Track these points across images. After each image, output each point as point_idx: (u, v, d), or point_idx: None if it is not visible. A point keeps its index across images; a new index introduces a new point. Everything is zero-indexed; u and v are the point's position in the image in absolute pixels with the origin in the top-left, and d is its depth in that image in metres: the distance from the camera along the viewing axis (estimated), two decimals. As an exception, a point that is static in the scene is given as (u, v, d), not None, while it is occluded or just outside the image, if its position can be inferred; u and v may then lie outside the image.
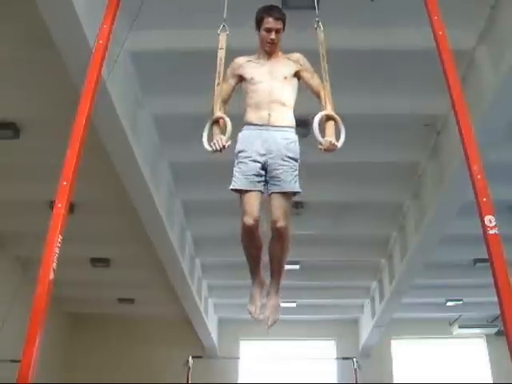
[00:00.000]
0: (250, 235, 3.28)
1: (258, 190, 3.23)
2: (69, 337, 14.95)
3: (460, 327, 14.56)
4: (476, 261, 10.97)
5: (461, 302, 13.72)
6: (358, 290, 13.79)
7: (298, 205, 9.41)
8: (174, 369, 12.86)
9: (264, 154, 3.23)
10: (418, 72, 6.31)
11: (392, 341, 15.25)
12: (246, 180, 3.21)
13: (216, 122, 3.33)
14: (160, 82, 6.61)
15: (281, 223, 3.20)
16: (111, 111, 5.82)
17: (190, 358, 11.15)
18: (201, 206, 9.74)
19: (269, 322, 3.49)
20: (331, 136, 3.22)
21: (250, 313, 3.53)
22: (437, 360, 14.87)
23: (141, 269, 11.67)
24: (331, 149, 3.19)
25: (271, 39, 3.33)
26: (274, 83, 3.32)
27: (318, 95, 3.39)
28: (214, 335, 14.83)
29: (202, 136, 3.31)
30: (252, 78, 3.36)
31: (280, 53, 3.46)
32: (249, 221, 3.19)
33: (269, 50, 3.39)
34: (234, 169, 3.27)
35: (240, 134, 3.34)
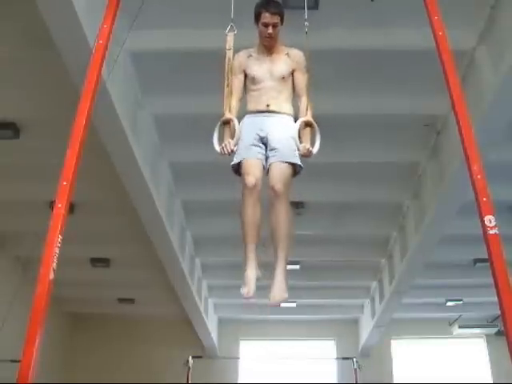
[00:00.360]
0: (250, 197, 3.23)
1: (259, 159, 3.28)
2: (69, 337, 14.95)
3: (460, 327, 14.57)
4: (476, 261, 10.97)
5: (461, 302, 13.72)
6: (358, 289, 13.79)
7: (298, 205, 9.42)
8: (173, 369, 12.88)
9: (264, 133, 3.32)
10: (417, 72, 6.31)
11: (392, 341, 15.26)
12: (246, 150, 3.30)
13: (226, 123, 3.38)
14: (160, 82, 6.61)
15: (279, 186, 3.21)
16: (111, 111, 5.82)
17: (190, 358, 11.16)
18: (201, 206, 9.74)
19: (276, 299, 3.42)
20: (307, 142, 3.32)
21: (242, 295, 3.41)
22: (437, 360, 14.87)
23: (141, 269, 11.67)
24: (307, 155, 3.29)
25: (268, 34, 3.38)
26: (273, 83, 3.40)
27: (299, 97, 3.47)
28: (214, 335, 14.84)
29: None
30: (254, 78, 3.44)
31: (281, 47, 3.50)
32: (250, 179, 3.20)
33: (267, 45, 3.45)
34: (236, 151, 3.33)
35: (241, 123, 3.41)
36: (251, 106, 3.44)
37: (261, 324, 15.30)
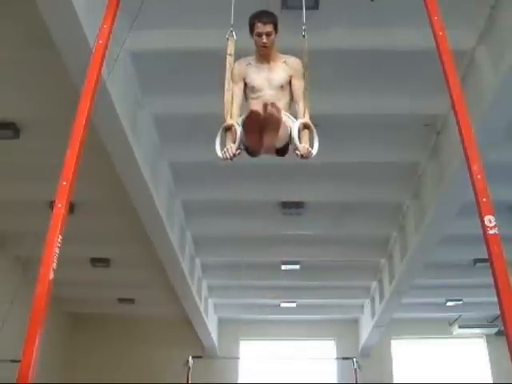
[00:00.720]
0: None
1: None
2: (69, 337, 14.95)
3: (460, 327, 14.57)
4: (476, 261, 10.97)
5: (461, 302, 13.72)
6: (358, 289, 13.79)
7: (298, 205, 9.43)
8: (173, 369, 12.89)
9: None
10: (417, 72, 6.31)
11: (392, 341, 15.26)
12: None
13: (228, 129, 3.40)
14: (160, 82, 6.61)
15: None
16: (111, 111, 5.82)
17: (190, 358, 11.17)
18: (201, 206, 9.74)
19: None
20: (306, 143, 3.34)
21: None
22: (437, 360, 14.87)
23: (141, 269, 11.67)
24: (307, 155, 3.30)
25: (263, 43, 3.43)
26: (272, 92, 3.46)
27: (296, 103, 3.50)
28: (214, 335, 14.84)
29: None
30: (253, 87, 3.49)
31: (278, 55, 3.54)
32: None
33: (263, 54, 3.50)
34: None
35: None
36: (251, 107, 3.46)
37: (261, 324, 15.30)
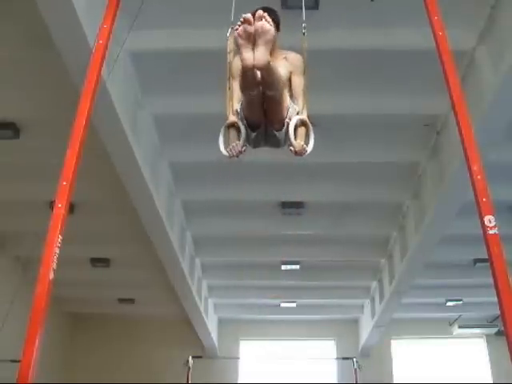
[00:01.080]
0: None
1: None
2: (69, 337, 14.95)
3: (460, 327, 14.57)
4: (476, 261, 10.96)
5: (461, 302, 13.72)
6: (358, 289, 13.79)
7: (298, 205, 9.43)
8: (174, 369, 12.90)
9: None
10: (417, 72, 6.31)
11: (392, 341, 15.25)
12: None
13: (231, 126, 3.34)
14: (160, 82, 6.61)
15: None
16: (111, 111, 5.82)
17: (190, 358, 11.19)
18: (201, 206, 9.74)
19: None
20: (302, 140, 3.29)
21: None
22: (437, 360, 14.87)
23: (141, 269, 11.67)
24: (301, 152, 3.25)
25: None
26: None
27: (296, 99, 3.43)
28: (214, 335, 14.84)
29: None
30: None
31: (278, 51, 3.46)
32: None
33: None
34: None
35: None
36: None
37: (261, 324, 15.31)
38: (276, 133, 3.32)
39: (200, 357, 12.32)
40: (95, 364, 14.40)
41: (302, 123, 3.35)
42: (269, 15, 3.27)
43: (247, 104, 3.23)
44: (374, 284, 13.07)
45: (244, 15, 2.96)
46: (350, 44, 5.90)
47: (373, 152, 7.87)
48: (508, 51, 5.23)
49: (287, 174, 8.37)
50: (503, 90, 5.54)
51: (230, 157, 3.27)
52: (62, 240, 2.77)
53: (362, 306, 14.74)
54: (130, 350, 14.74)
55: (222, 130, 3.37)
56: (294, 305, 14.35)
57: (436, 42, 3.36)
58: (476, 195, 2.91)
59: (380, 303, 12.49)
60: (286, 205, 9.42)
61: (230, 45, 3.46)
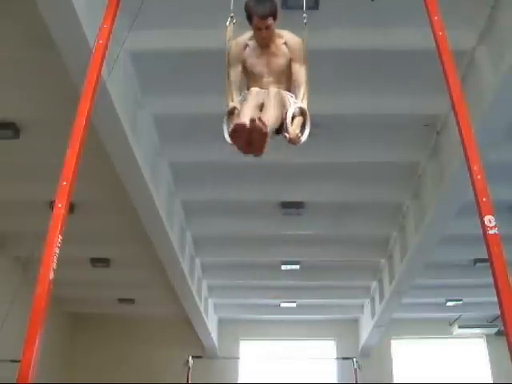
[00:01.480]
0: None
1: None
2: (69, 337, 14.95)
3: (460, 327, 14.56)
4: (476, 261, 10.96)
5: (461, 302, 13.72)
6: (358, 289, 13.79)
7: (298, 205, 9.43)
8: (174, 369, 12.89)
9: None
10: (418, 72, 6.31)
11: (392, 341, 15.25)
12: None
13: (232, 112, 3.33)
14: (160, 82, 6.61)
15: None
16: (111, 111, 5.82)
17: (190, 358, 11.18)
18: (201, 206, 9.74)
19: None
20: (298, 128, 3.26)
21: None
22: (437, 360, 14.86)
23: (141, 269, 11.67)
24: (296, 140, 3.22)
25: (263, 37, 3.33)
26: (272, 78, 3.37)
27: (297, 88, 3.40)
28: (214, 335, 14.84)
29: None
30: (253, 73, 3.41)
31: (277, 35, 3.40)
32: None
33: (263, 43, 3.39)
34: None
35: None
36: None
37: (261, 324, 15.30)
38: None
39: (200, 357, 12.31)
40: (95, 364, 14.40)
41: (301, 112, 3.32)
42: (266, 9, 3.24)
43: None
44: (374, 284, 13.07)
45: (238, 122, 2.98)
46: (350, 44, 5.91)
47: (373, 152, 7.87)
48: (508, 51, 5.24)
49: (287, 174, 8.37)
50: (503, 90, 5.54)
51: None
52: (62, 240, 2.77)
53: (362, 306, 14.74)
54: (129, 350, 14.74)
55: (225, 119, 3.34)
56: (294, 305, 14.35)
57: (436, 42, 3.35)
58: (476, 195, 2.90)
59: (380, 303, 12.50)
60: (285, 205, 9.42)
61: (229, 33, 3.45)
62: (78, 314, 14.97)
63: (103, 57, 3.38)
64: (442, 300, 13.76)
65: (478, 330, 14.84)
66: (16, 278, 9.60)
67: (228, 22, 3.47)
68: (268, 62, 3.38)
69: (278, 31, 3.41)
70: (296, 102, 3.32)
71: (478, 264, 10.95)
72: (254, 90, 3.33)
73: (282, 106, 3.23)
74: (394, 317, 13.17)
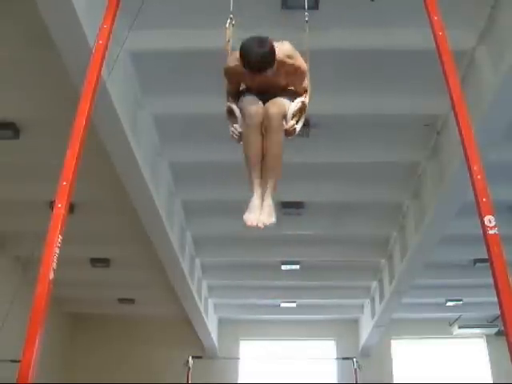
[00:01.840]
0: (252, 129, 3.24)
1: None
2: (69, 337, 14.95)
3: (460, 327, 14.56)
4: (476, 261, 10.97)
5: (461, 302, 13.72)
6: (358, 289, 13.79)
7: (298, 205, 9.43)
8: (174, 369, 12.90)
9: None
10: (418, 72, 6.31)
11: (392, 341, 15.25)
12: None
13: (230, 113, 3.39)
14: (160, 82, 6.61)
15: (273, 110, 3.21)
16: (111, 111, 5.82)
17: (190, 358, 11.18)
18: (201, 206, 9.74)
19: (263, 222, 3.48)
20: (295, 121, 3.33)
21: (245, 221, 3.54)
22: (437, 360, 14.87)
23: (141, 269, 11.67)
24: (290, 132, 3.30)
25: (258, 81, 3.26)
26: (272, 94, 3.32)
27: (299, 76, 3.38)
28: (214, 335, 14.84)
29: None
30: (250, 87, 3.36)
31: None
32: (252, 108, 3.22)
33: None
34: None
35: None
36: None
37: (261, 324, 15.30)
38: None
39: (200, 357, 12.31)
40: (95, 364, 14.40)
41: (301, 108, 3.37)
42: (263, 63, 3.04)
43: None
44: (374, 284, 13.07)
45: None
46: (350, 44, 5.90)
47: (373, 152, 7.87)
48: (508, 51, 5.24)
49: (287, 174, 8.32)
50: (503, 90, 5.54)
51: (239, 142, 3.36)
52: (62, 240, 2.77)
53: (362, 306, 14.74)
54: (130, 350, 14.74)
55: (228, 118, 3.42)
56: (294, 305, 14.35)
57: (436, 42, 3.35)
58: (476, 195, 2.90)
59: (380, 303, 12.50)
60: (285, 205, 9.41)
61: (229, 34, 3.46)
62: (78, 314, 14.97)
63: (103, 57, 3.38)
64: (442, 300, 13.76)
65: (477, 330, 14.84)
66: (16, 278, 9.60)
67: (227, 24, 3.47)
68: (266, 81, 3.24)
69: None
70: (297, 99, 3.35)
71: (477, 264, 10.95)
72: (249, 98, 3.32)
73: (283, 106, 3.27)
74: (394, 317, 13.18)
